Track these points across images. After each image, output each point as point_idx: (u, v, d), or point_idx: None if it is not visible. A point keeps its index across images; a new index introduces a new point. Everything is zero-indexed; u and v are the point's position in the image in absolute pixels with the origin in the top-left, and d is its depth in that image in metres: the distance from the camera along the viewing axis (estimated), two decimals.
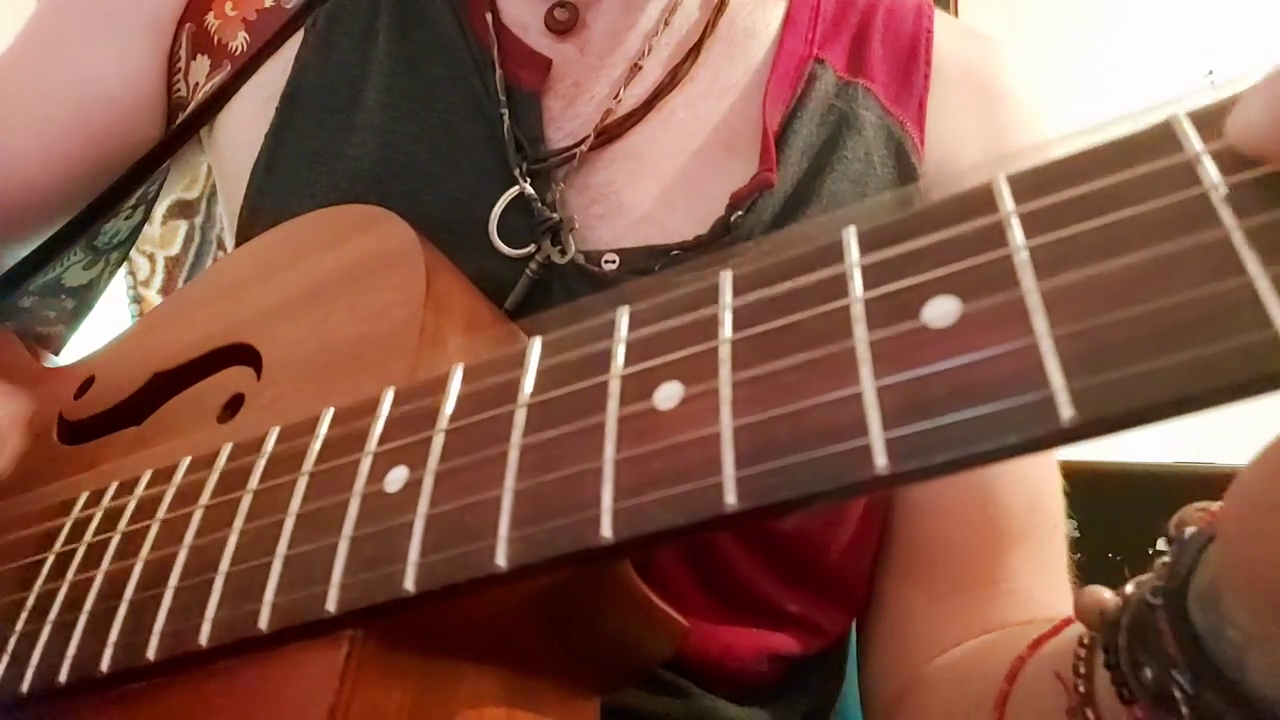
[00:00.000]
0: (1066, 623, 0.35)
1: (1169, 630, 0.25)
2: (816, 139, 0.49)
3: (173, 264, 1.68)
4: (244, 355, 0.39)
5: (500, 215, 0.46)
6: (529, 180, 0.47)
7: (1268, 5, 1.56)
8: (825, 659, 0.52)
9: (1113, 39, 1.64)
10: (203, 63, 0.54)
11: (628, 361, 0.25)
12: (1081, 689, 0.29)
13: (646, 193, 0.48)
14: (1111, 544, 0.98)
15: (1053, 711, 0.31)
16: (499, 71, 0.49)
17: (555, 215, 0.46)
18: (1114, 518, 1.00)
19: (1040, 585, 0.48)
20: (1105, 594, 0.28)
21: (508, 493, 0.25)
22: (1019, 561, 0.48)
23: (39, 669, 0.33)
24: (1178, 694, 0.24)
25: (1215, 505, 0.26)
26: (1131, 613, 0.27)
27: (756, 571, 0.47)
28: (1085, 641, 0.30)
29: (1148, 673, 0.26)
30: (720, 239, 0.45)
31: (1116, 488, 1.01)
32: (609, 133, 0.49)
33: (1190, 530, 0.26)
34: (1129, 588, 0.28)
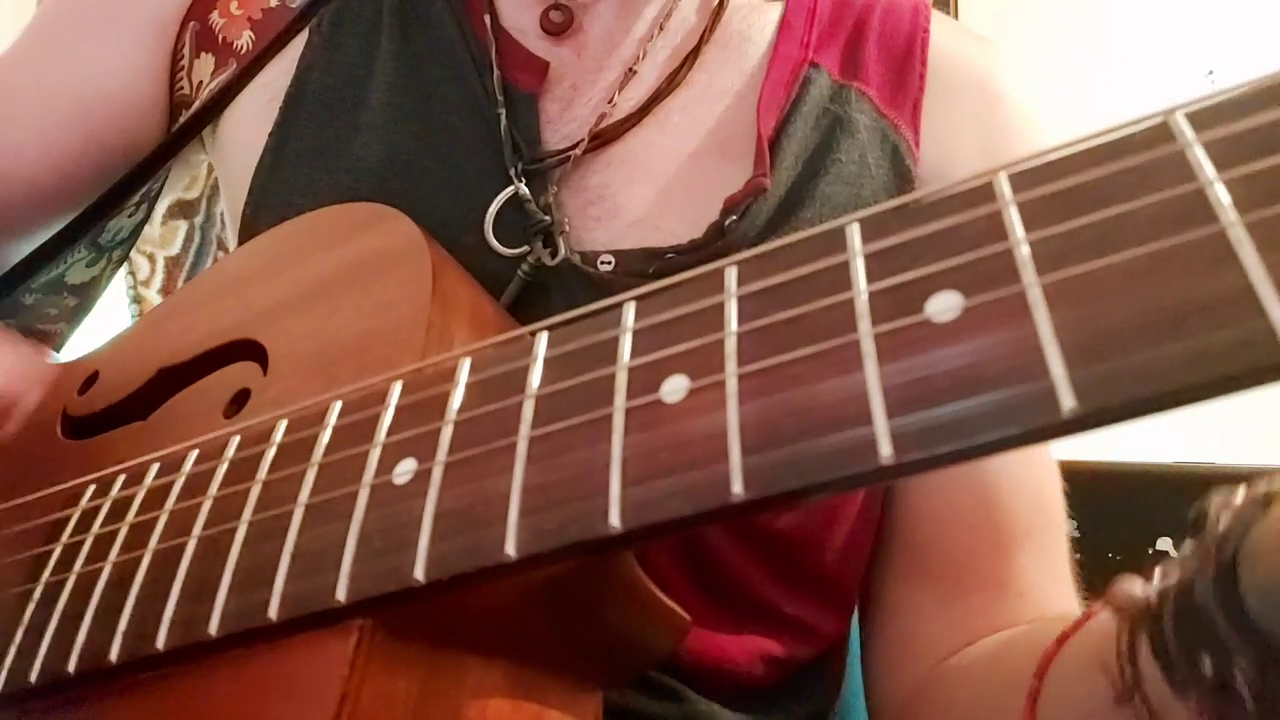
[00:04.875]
0: (1088, 616, 0.34)
1: (1225, 622, 0.24)
2: (810, 143, 0.49)
3: (173, 264, 1.68)
4: (250, 351, 0.39)
5: (496, 214, 0.47)
6: (524, 180, 0.47)
7: (1268, 5, 1.56)
8: (822, 664, 0.51)
9: (1113, 39, 1.64)
10: (207, 61, 0.54)
11: (634, 353, 0.26)
12: (1129, 677, 0.29)
13: (642, 196, 0.48)
14: (1111, 544, 0.98)
15: (1089, 704, 0.31)
16: (497, 72, 0.49)
17: (547, 218, 0.46)
18: (1114, 518, 1.00)
19: (1047, 586, 0.48)
20: (1137, 586, 0.28)
21: (516, 484, 0.25)
22: (1025, 562, 0.48)
23: (47, 659, 0.33)
24: (1240, 681, 0.24)
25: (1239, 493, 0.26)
26: (1174, 605, 0.26)
27: (752, 571, 0.47)
28: (1125, 634, 0.30)
29: (1206, 663, 0.25)
30: (714, 242, 0.46)
31: (1116, 488, 1.02)
32: (604, 136, 0.49)
33: (1224, 517, 0.25)
34: (1157, 579, 0.28)
